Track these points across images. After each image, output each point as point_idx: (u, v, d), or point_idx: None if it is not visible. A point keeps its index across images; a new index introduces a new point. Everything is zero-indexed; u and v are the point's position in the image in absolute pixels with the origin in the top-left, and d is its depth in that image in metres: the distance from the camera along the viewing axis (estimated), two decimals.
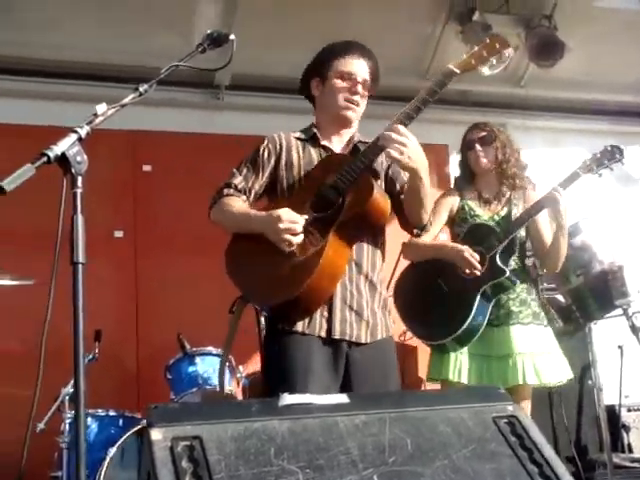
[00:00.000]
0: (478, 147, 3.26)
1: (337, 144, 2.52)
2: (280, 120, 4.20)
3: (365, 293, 2.37)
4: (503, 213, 3.24)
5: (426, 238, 2.99)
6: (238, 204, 2.40)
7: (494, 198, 3.27)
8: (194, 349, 3.76)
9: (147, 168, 4.89)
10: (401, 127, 2.19)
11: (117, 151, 4.77)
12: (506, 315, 3.14)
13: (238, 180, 2.45)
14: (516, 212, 3.21)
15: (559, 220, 3.11)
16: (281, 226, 2.21)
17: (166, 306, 4.64)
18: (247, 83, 5.08)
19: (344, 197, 2.26)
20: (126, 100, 1.89)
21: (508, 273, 3.06)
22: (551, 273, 3.38)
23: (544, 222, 3.24)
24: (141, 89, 1.91)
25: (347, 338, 2.32)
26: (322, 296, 2.26)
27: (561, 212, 3.09)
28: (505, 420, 1.75)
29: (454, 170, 3.51)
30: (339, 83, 2.46)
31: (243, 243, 2.35)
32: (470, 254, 3.03)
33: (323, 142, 2.48)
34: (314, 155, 2.46)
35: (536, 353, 3.07)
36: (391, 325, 2.47)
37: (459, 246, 3.08)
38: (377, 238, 2.44)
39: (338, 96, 2.46)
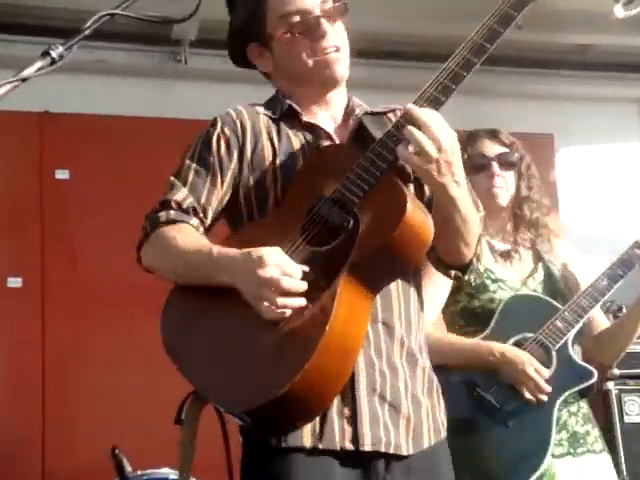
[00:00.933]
0: (496, 169, 3.31)
1: (326, 120, 2.54)
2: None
3: (402, 370, 2.38)
4: (540, 275, 3.35)
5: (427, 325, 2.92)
6: (187, 235, 2.38)
7: (514, 251, 3.37)
8: (139, 472, 3.74)
9: (62, 175, 4.92)
10: (429, 111, 2.23)
11: (15, 148, 4.79)
12: (571, 440, 3.22)
13: (181, 195, 2.44)
14: (556, 272, 3.35)
15: None
16: (267, 277, 2.17)
17: (91, 400, 4.61)
18: (224, 37, 5.07)
19: (356, 219, 2.26)
20: (29, 71, 1.88)
21: (596, 374, 3.17)
22: (605, 366, 3.58)
23: None
24: (54, 53, 1.89)
25: (382, 449, 2.30)
26: (332, 387, 2.23)
27: None
28: None
29: (562, 170, 3.67)
30: (293, 39, 2.48)
31: (192, 300, 2.34)
32: (535, 368, 3.10)
33: (306, 119, 2.51)
34: (295, 142, 2.48)
35: None
36: (443, 421, 2.48)
37: (514, 352, 3.12)
38: (411, 277, 2.47)
39: (302, 60, 2.48)
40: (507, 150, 3.33)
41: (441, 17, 4.86)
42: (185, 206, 2.41)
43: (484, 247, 3.27)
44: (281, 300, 2.16)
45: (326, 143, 2.45)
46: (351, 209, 2.26)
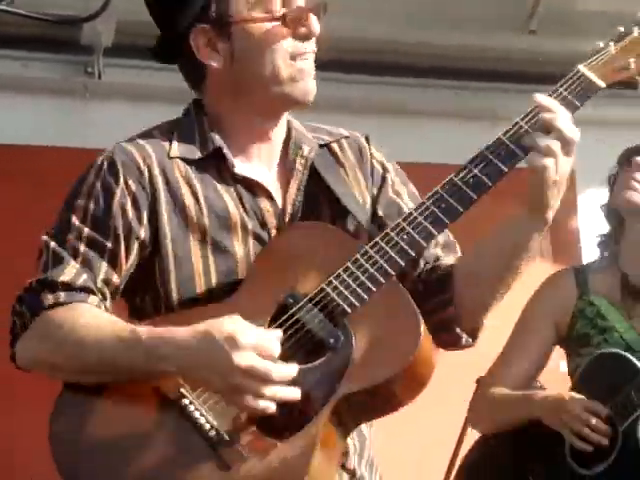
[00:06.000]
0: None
1: (260, 165, 2.40)
2: None
3: None
4: None
5: (505, 386, 3.11)
6: (90, 316, 2.21)
7: None
8: None
9: None
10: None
11: None
12: None
13: (72, 273, 2.24)
14: None
15: None
16: (248, 366, 2.05)
17: None
18: (150, 41, 4.81)
19: (347, 337, 2.16)
20: None
21: None
22: None
23: None
24: None
25: None
26: None
27: None
28: None
29: (586, 216, 3.65)
30: (270, 30, 2.32)
31: (96, 412, 2.18)
32: (585, 407, 3.01)
33: (239, 170, 2.34)
34: (228, 199, 2.33)
35: None
36: None
37: (570, 398, 3.07)
38: None
39: (276, 61, 2.33)
40: None
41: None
42: (77, 287, 2.24)
43: (614, 282, 3.26)
44: (269, 390, 2.07)
45: (265, 204, 2.33)
46: (340, 321, 2.17)
